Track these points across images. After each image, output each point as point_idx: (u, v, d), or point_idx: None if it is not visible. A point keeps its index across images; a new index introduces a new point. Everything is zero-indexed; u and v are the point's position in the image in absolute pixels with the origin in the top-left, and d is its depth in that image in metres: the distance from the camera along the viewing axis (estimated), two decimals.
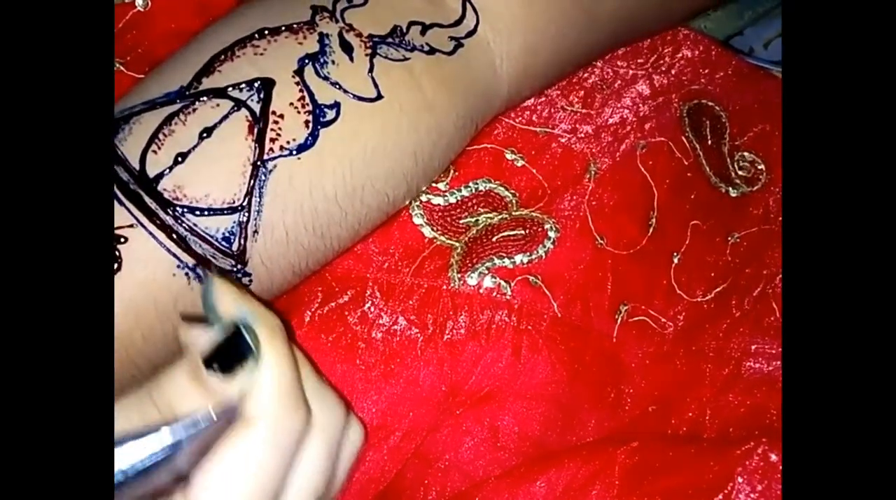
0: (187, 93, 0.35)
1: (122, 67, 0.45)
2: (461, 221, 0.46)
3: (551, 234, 0.46)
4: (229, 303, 0.30)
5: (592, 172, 0.48)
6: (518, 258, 0.46)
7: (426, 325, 0.44)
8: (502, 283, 0.45)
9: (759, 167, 0.51)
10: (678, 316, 0.46)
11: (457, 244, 0.46)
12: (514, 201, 0.47)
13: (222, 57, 0.36)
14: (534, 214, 0.47)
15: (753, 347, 0.46)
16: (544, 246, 0.46)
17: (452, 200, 0.46)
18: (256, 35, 0.36)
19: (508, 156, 0.47)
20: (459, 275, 0.45)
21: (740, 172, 0.51)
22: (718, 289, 0.47)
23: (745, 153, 0.51)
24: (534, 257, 0.46)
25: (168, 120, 0.34)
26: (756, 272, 0.48)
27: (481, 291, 0.45)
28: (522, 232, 0.46)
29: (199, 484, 0.27)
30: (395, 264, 0.45)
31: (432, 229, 0.45)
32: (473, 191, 0.47)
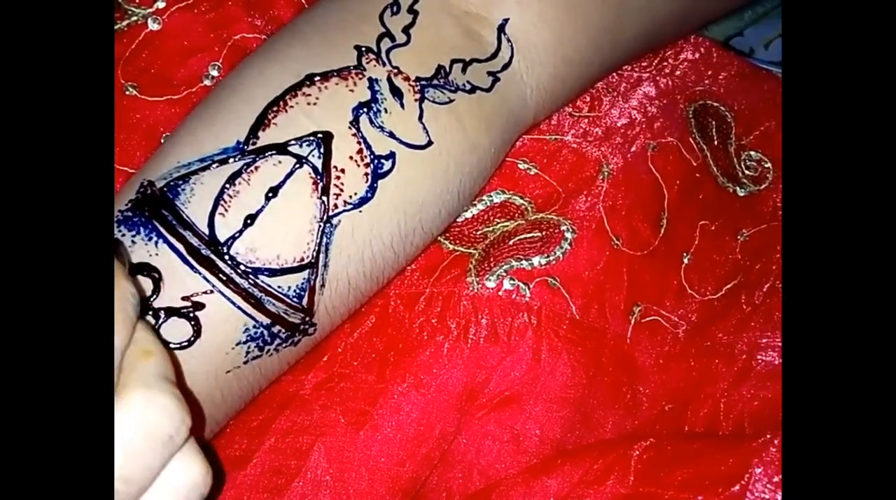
0: (245, 148, 0.35)
1: (135, 92, 0.44)
2: (478, 232, 0.47)
3: (568, 235, 0.47)
4: None
5: (605, 173, 0.49)
6: (536, 260, 0.47)
7: (450, 330, 0.45)
8: (521, 285, 0.46)
9: (766, 166, 0.53)
10: (690, 315, 0.49)
11: (474, 251, 0.47)
12: (529, 208, 0.48)
13: (275, 108, 0.35)
14: (550, 216, 0.48)
15: (764, 340, 0.48)
16: (561, 247, 0.47)
17: (468, 215, 0.47)
18: (306, 82, 0.36)
19: (521, 166, 0.48)
20: (478, 279, 0.46)
21: (747, 172, 0.53)
22: (728, 286, 0.50)
23: (752, 152, 0.53)
24: (551, 258, 0.47)
25: (231, 180, 0.34)
26: (765, 268, 0.50)
27: (500, 293, 0.46)
28: (539, 234, 0.47)
29: None
30: (415, 280, 0.46)
31: (451, 243, 0.47)
32: (488, 204, 0.48)
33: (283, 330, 0.35)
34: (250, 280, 0.33)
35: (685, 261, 0.50)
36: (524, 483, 0.45)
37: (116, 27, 0.44)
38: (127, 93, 0.44)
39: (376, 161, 0.36)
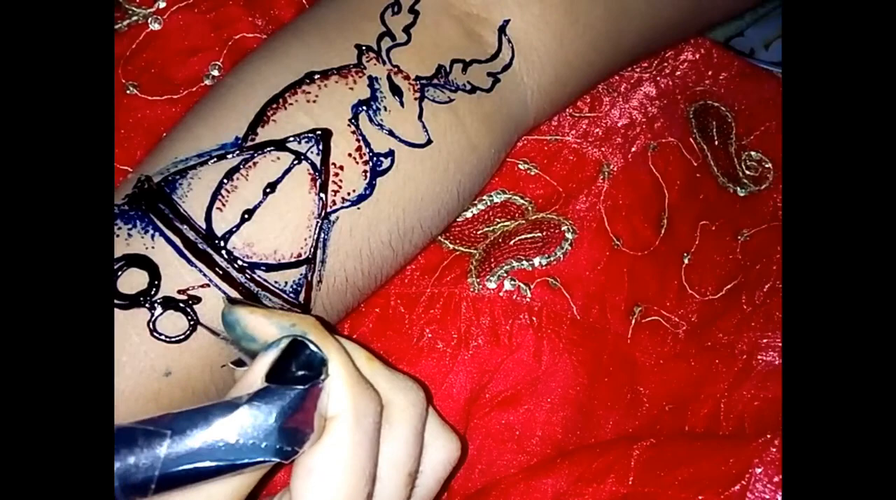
0: (244, 144, 0.35)
1: (136, 91, 0.44)
2: (479, 232, 0.47)
3: (568, 235, 0.47)
4: (264, 325, 0.30)
5: (606, 173, 0.49)
6: (536, 260, 0.46)
7: (451, 333, 0.45)
8: (522, 285, 0.46)
9: (767, 166, 0.53)
10: (690, 315, 0.49)
11: (475, 251, 0.47)
12: (530, 208, 0.48)
13: (274, 105, 0.35)
14: (550, 216, 0.48)
15: (764, 340, 0.48)
16: (562, 247, 0.47)
17: (468, 215, 0.47)
18: (306, 80, 0.36)
19: (521, 166, 0.48)
20: (479, 280, 0.46)
21: (748, 172, 0.53)
22: (729, 286, 0.50)
23: (752, 153, 0.53)
24: (552, 258, 0.47)
25: (229, 175, 0.34)
26: (766, 268, 0.50)
27: (501, 294, 0.46)
28: (540, 234, 0.47)
29: (299, 482, 0.28)
30: (415, 279, 0.46)
31: (451, 243, 0.47)
32: (489, 204, 0.48)
33: None
34: (247, 275, 0.33)
35: (685, 261, 0.49)
36: (524, 482, 0.45)
37: (117, 27, 0.44)
38: (128, 92, 0.44)
39: (375, 159, 0.36)
